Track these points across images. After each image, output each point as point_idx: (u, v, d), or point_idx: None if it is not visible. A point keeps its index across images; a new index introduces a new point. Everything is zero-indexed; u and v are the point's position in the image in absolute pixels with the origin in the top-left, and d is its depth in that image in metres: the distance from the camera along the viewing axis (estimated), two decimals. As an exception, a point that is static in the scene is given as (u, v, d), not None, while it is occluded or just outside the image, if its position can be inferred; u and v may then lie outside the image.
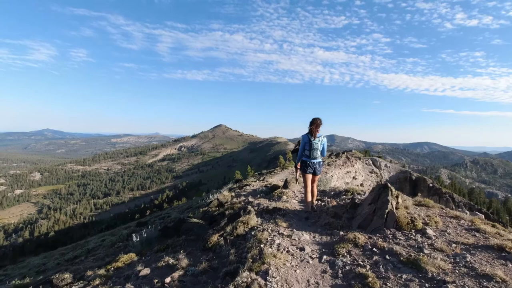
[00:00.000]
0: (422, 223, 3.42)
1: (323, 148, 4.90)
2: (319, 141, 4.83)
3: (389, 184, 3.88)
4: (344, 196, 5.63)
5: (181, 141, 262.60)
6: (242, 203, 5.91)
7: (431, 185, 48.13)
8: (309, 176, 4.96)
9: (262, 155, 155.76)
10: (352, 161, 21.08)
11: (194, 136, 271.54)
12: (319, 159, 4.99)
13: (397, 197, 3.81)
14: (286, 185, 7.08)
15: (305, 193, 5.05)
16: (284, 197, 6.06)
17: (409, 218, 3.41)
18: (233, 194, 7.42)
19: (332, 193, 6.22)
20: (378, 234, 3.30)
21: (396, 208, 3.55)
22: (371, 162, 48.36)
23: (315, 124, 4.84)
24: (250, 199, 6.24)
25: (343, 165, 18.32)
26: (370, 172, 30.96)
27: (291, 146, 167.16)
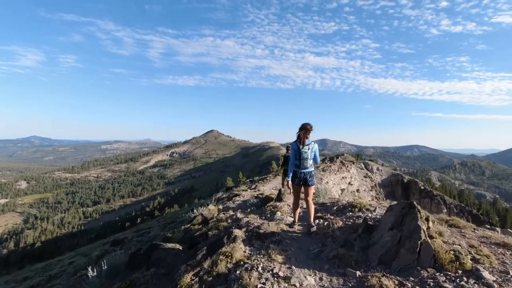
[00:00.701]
0: (471, 259, 2.48)
1: (314, 155, 4.41)
2: (308, 149, 4.27)
3: (414, 203, 2.98)
4: (350, 213, 4.74)
5: (172, 147, 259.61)
6: (229, 221, 5.09)
7: (422, 187, 48.08)
8: (298, 188, 4.45)
9: (255, 160, 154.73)
10: (348, 166, 20.26)
11: (186, 142, 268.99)
12: (311, 169, 4.36)
13: (427, 219, 2.89)
14: (280, 196, 6.20)
15: (292, 205, 4.62)
16: (278, 213, 5.22)
17: (452, 253, 2.49)
18: (220, 207, 6.57)
19: (334, 208, 5.32)
20: (411, 277, 2.36)
21: (430, 237, 2.63)
22: (363, 165, 48.02)
23: (303, 129, 4.34)
24: (239, 214, 5.44)
25: (338, 171, 17.52)
26: (365, 177, 30.37)
27: (283, 150, 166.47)
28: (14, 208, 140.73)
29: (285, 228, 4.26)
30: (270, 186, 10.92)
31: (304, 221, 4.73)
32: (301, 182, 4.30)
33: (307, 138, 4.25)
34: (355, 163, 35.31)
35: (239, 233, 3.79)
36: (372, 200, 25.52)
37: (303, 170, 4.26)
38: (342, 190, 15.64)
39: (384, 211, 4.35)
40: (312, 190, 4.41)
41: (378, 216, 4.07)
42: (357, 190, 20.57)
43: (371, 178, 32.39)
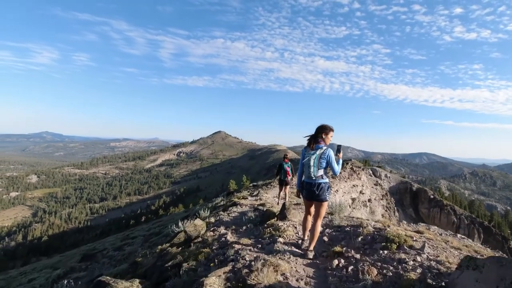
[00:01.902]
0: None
1: (327, 163, 3.50)
2: (314, 154, 3.52)
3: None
4: (386, 252, 3.29)
5: (180, 146, 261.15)
6: (215, 246, 4.02)
7: (432, 196, 46.62)
8: (307, 203, 3.73)
9: (261, 162, 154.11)
10: (358, 173, 19.32)
11: (193, 142, 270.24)
12: (319, 180, 3.49)
13: None
14: (283, 213, 5.05)
15: (302, 222, 3.99)
16: (280, 240, 3.97)
17: None
18: (212, 219, 5.64)
19: (359, 238, 3.90)
20: None
21: None
22: (371, 172, 46.94)
23: (316, 131, 3.66)
24: (230, 236, 4.40)
25: (348, 178, 16.69)
26: (375, 185, 29.33)
27: (291, 153, 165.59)
28: (24, 202, 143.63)
29: (290, 271, 2.96)
30: (273, 194, 10.33)
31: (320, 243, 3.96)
32: (309, 195, 3.56)
33: (319, 142, 3.54)
34: (363, 169, 34.41)
35: (214, 284, 2.54)
36: (385, 211, 24.49)
37: (308, 181, 3.53)
38: (353, 199, 14.86)
39: (437, 251, 3.31)
40: (322, 208, 3.51)
41: (435, 264, 2.78)
42: (369, 200, 19.52)
43: (381, 186, 31.34)
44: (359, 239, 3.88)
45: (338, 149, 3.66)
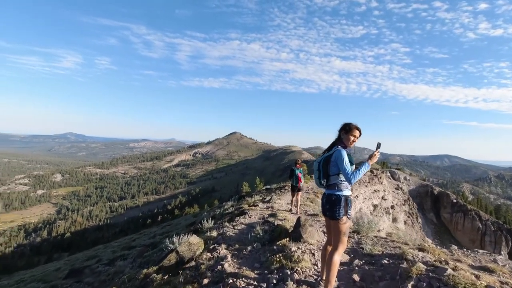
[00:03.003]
0: None
1: (330, 167, 2.81)
2: (321, 159, 2.92)
3: None
4: None
5: (196, 147, 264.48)
6: (209, 276, 3.23)
7: (454, 200, 43.95)
8: (326, 220, 3.04)
9: (276, 163, 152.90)
10: (380, 177, 17.89)
11: (209, 143, 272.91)
12: (329, 190, 2.81)
13: None
14: (297, 231, 4.06)
15: (321, 256, 3.10)
16: (294, 278, 2.98)
17: None
18: (214, 233, 4.78)
19: (409, 285, 2.68)
20: None
21: None
22: (390, 175, 44.83)
23: (340, 131, 2.97)
24: (229, 264, 3.45)
25: (369, 182, 15.49)
26: (396, 189, 27.64)
27: (306, 155, 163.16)
28: (49, 199, 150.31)
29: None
30: (287, 199, 9.58)
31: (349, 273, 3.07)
32: (322, 210, 2.92)
33: (338, 144, 2.87)
34: (384, 172, 32.73)
35: None
36: (408, 217, 22.89)
37: (323, 190, 2.92)
38: (375, 206, 13.68)
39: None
40: (337, 230, 2.69)
41: None
42: (392, 207, 18.07)
43: (402, 190, 29.57)
44: (409, 286, 2.64)
45: (377, 146, 2.93)
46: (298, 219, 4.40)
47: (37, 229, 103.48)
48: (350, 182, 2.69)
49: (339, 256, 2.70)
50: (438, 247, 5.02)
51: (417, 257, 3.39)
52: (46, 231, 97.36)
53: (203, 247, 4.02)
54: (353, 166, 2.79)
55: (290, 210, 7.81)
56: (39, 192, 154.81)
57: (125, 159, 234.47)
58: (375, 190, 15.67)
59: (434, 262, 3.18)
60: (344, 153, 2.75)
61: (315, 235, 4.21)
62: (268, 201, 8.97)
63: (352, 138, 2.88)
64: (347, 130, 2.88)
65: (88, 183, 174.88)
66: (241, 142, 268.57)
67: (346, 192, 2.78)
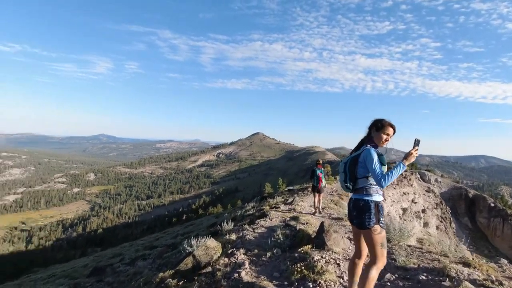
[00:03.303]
0: None
1: (358, 169, 2.45)
2: (348, 159, 2.58)
3: None
4: None
5: (219, 148, 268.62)
6: (225, 284, 2.98)
7: (492, 204, 40.42)
8: (353, 230, 2.62)
9: (299, 164, 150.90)
10: (410, 179, 16.72)
11: (232, 143, 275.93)
12: (357, 195, 2.44)
13: None
14: (321, 237, 3.70)
15: (348, 270, 2.66)
16: None
17: None
18: (233, 236, 4.57)
19: None
20: None
21: None
22: (419, 176, 42.30)
23: (369, 128, 2.61)
24: (247, 272, 3.13)
25: (397, 184, 14.56)
26: (427, 192, 25.92)
27: (329, 155, 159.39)
28: (83, 197, 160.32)
29: None
30: (310, 202, 9.22)
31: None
32: (348, 216, 2.58)
33: (368, 143, 2.51)
34: (413, 173, 30.90)
35: None
36: (440, 222, 21.25)
37: (349, 195, 2.57)
38: (404, 210, 12.82)
39: None
40: (371, 240, 2.30)
41: None
42: (423, 211, 16.86)
43: (434, 192, 27.68)
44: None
45: (415, 143, 2.49)
46: (322, 224, 4.00)
47: (73, 224, 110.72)
48: (381, 186, 2.27)
49: (377, 271, 2.30)
50: (485, 260, 4.41)
51: (461, 273, 2.85)
52: (81, 227, 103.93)
53: (220, 251, 3.82)
54: (385, 168, 2.38)
55: (314, 213, 7.53)
56: (75, 190, 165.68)
57: (152, 159, 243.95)
58: (404, 193, 14.72)
59: (483, 282, 2.65)
60: (374, 152, 2.36)
61: (341, 242, 3.81)
62: (290, 203, 8.68)
63: (384, 136, 2.49)
64: (379, 127, 2.49)
65: (118, 182, 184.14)
66: (264, 143, 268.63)
67: (377, 197, 2.37)
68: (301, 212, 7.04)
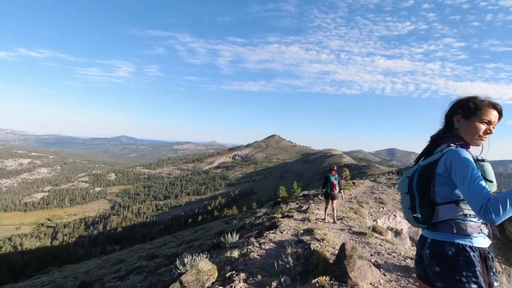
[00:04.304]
0: None
1: (448, 184, 1.34)
2: (416, 171, 1.47)
3: None
4: None
5: (235, 150, 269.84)
6: None
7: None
8: (420, 277, 1.52)
9: (316, 167, 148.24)
10: None
11: (248, 146, 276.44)
12: (436, 234, 1.38)
13: None
14: (342, 265, 2.83)
15: None
16: None
17: None
18: (236, 254, 3.86)
19: None
20: None
21: None
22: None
23: (445, 116, 1.53)
24: None
25: None
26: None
27: (347, 158, 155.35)
28: (105, 196, 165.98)
29: None
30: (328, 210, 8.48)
31: None
32: (419, 268, 1.50)
33: (448, 141, 1.46)
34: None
35: None
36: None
37: (417, 225, 1.49)
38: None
39: None
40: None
41: None
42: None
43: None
44: None
45: None
46: (343, 247, 3.10)
47: (94, 222, 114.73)
48: (489, 220, 1.13)
49: None
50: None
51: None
52: (102, 225, 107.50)
53: (215, 276, 3.06)
54: (493, 186, 1.36)
55: (324, 219, 7.30)
56: (97, 189, 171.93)
57: (169, 161, 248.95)
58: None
59: None
60: (467, 156, 1.29)
61: (368, 274, 2.89)
62: (305, 211, 7.97)
63: (482, 127, 1.38)
64: (470, 111, 1.40)
65: (137, 182, 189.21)
66: (280, 145, 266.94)
67: (479, 240, 1.30)
68: (316, 223, 6.32)
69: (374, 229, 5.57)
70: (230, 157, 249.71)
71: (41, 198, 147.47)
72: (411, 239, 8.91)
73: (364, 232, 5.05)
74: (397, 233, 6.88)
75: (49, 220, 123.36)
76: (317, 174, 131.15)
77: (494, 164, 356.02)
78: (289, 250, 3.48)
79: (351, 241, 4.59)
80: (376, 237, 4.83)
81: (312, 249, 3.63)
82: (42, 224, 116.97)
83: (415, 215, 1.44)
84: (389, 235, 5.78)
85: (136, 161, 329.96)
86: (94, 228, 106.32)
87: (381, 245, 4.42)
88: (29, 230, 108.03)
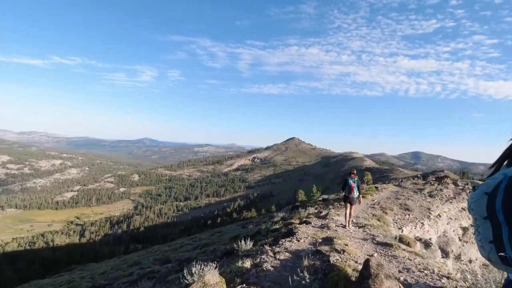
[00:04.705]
0: None
1: None
2: (495, 186, 0.89)
3: None
4: None
5: (254, 152, 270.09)
6: None
7: None
8: None
9: (336, 170, 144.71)
10: (470, 192, 14.15)
11: (267, 148, 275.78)
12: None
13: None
14: (365, 285, 2.42)
15: None
16: None
17: None
18: (247, 264, 3.54)
19: None
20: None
21: None
22: (472, 188, 36.71)
23: None
24: None
25: (454, 198, 12.31)
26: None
27: (368, 162, 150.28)
28: (128, 196, 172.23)
29: None
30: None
31: None
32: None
33: None
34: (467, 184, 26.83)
35: None
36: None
37: (504, 268, 0.90)
38: (464, 230, 10.67)
39: None
40: None
41: None
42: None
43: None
44: None
45: None
46: (367, 264, 2.68)
47: (119, 221, 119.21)
48: None
49: None
50: None
51: None
52: (125, 224, 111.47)
53: None
54: None
55: (344, 226, 7.06)
56: (121, 189, 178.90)
57: (190, 163, 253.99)
58: (463, 208, 12.40)
59: None
60: None
61: None
62: (324, 217, 7.52)
63: None
64: None
65: (159, 183, 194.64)
66: (299, 148, 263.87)
67: None
68: (336, 230, 5.88)
69: (401, 240, 5.05)
70: (249, 160, 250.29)
71: (70, 197, 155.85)
72: (442, 250, 8.18)
73: (389, 242, 4.55)
74: (427, 245, 6.25)
75: (78, 218, 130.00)
76: (337, 177, 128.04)
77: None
78: (305, 263, 3.14)
79: (376, 253, 4.11)
80: (404, 249, 4.32)
81: (331, 262, 3.23)
82: (72, 222, 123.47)
83: (502, 254, 0.88)
84: (418, 247, 5.21)
85: (158, 162, 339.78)
86: (118, 227, 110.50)
87: (410, 260, 3.91)
88: (60, 227, 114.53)
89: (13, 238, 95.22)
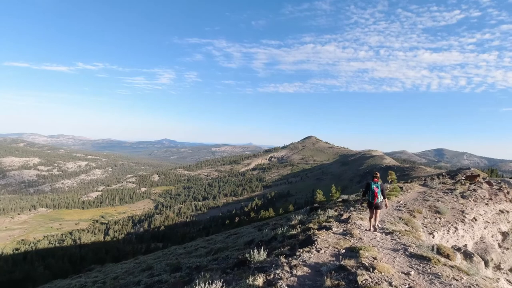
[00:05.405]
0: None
1: None
2: None
3: None
4: None
5: (271, 151, 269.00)
6: None
7: None
8: None
9: (354, 169, 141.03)
10: (508, 192, 12.51)
11: (284, 147, 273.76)
12: None
13: None
14: None
15: None
16: None
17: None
18: (260, 281, 3.04)
19: None
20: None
21: None
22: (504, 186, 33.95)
23: None
24: None
25: (490, 199, 11.13)
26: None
27: (388, 160, 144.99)
28: (149, 196, 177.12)
29: None
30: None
31: None
32: None
33: None
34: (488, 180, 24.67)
35: None
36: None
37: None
38: (504, 235, 9.59)
39: None
40: None
41: None
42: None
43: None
44: None
45: None
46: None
47: (140, 220, 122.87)
48: None
49: None
50: None
51: None
52: (146, 223, 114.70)
53: None
54: None
55: (369, 230, 6.72)
56: (142, 189, 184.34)
57: (208, 163, 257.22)
58: (501, 211, 11.18)
59: None
60: None
61: None
62: (345, 221, 6.90)
63: None
64: None
65: (178, 183, 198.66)
66: (317, 147, 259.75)
67: None
68: (361, 238, 5.24)
69: (438, 251, 4.33)
70: (266, 159, 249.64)
71: (95, 197, 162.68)
72: (481, 258, 7.30)
73: (425, 255, 3.86)
74: (467, 255, 5.45)
75: (102, 217, 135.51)
76: (356, 176, 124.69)
77: None
78: (328, 282, 2.61)
79: (412, 270, 3.45)
80: (445, 264, 3.61)
81: (359, 283, 2.65)
82: (97, 221, 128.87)
83: None
84: (458, 259, 4.47)
85: (177, 163, 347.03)
86: (140, 226, 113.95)
87: (456, 279, 3.19)
88: (86, 225, 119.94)
89: (44, 236, 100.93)
